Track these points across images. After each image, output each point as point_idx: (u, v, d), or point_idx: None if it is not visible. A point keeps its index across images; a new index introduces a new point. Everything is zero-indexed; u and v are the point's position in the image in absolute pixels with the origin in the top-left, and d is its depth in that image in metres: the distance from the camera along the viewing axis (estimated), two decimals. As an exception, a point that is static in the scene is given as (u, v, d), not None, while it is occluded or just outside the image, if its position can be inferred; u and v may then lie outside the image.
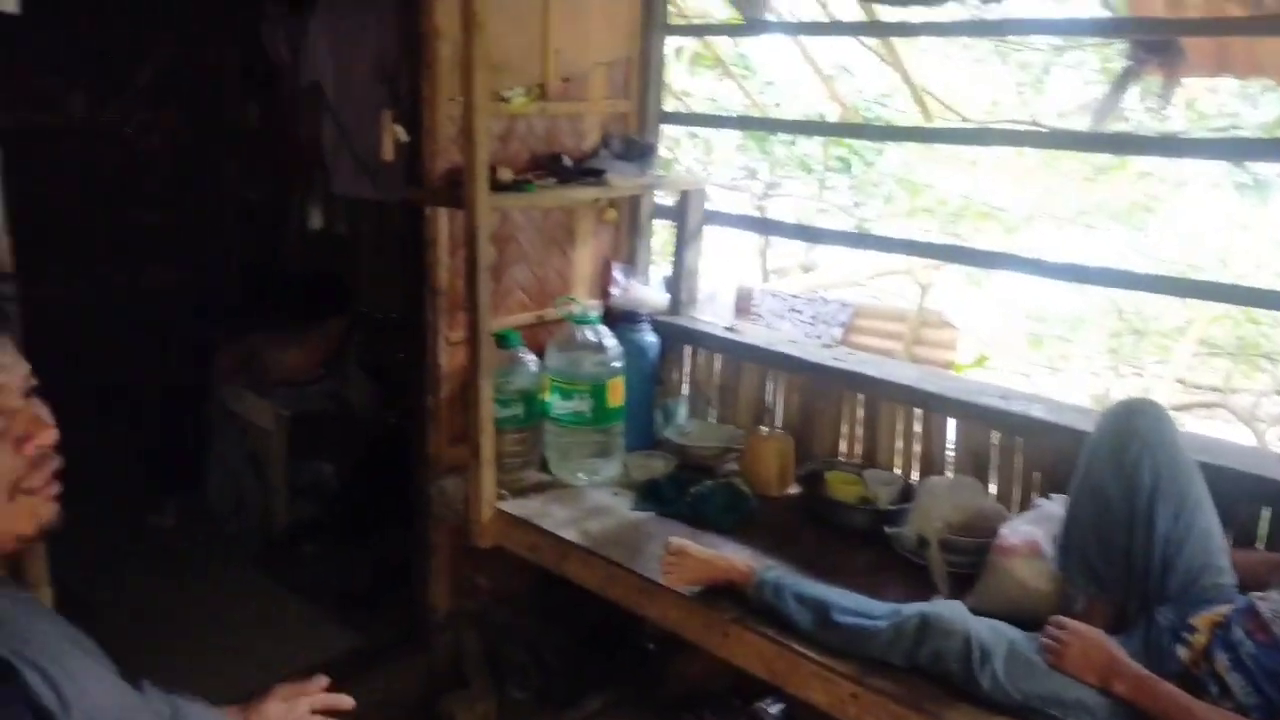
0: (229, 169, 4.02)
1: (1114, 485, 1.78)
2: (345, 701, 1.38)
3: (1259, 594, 1.66)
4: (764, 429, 2.61)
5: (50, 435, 0.99)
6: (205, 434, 3.59)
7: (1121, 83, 2.67)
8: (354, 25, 3.28)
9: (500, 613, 2.84)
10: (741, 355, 2.71)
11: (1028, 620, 1.90)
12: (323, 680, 1.36)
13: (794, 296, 4.41)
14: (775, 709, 2.60)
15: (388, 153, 2.40)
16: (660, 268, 2.93)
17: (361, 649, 2.86)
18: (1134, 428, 1.78)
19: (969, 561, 2.08)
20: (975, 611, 1.96)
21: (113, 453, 3.87)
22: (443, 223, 2.43)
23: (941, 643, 1.71)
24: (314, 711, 1.33)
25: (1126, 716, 1.60)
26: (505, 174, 2.39)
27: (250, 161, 4.05)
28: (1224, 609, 1.67)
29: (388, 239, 3.59)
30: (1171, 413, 1.90)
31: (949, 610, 1.77)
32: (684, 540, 2.10)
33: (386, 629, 2.93)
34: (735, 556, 2.07)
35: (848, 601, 1.87)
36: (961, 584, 2.05)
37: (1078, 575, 1.85)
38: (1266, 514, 1.93)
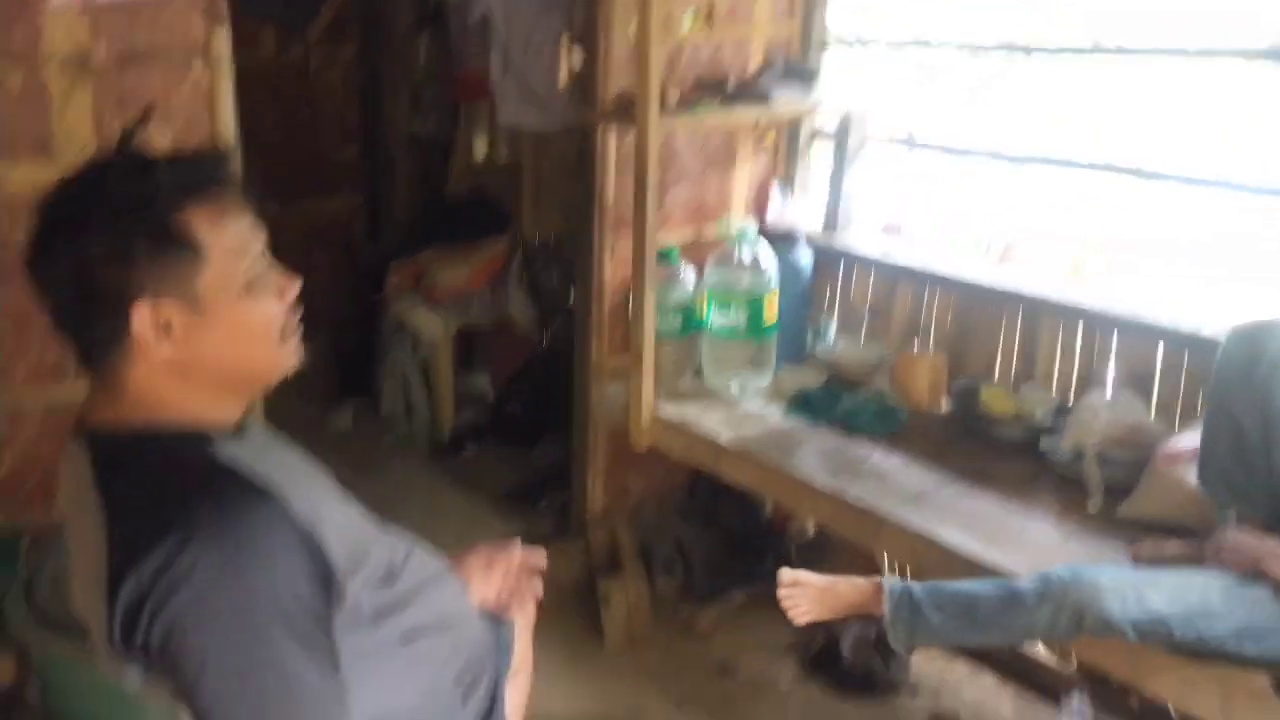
0: (401, 102, 4.27)
1: (1245, 407, 1.76)
2: (540, 559, 1.55)
3: None
4: (923, 347, 2.68)
5: (295, 286, 1.13)
6: (380, 345, 3.89)
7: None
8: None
9: (650, 512, 3.03)
10: (896, 275, 2.77)
11: (1175, 530, 1.95)
12: (518, 545, 1.53)
13: (943, 224, 4.37)
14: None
15: (564, 78, 2.54)
16: (818, 189, 2.99)
17: (523, 538, 3.10)
18: (1259, 349, 1.75)
19: (1124, 475, 2.12)
20: (1126, 521, 2.03)
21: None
22: (611, 144, 2.57)
23: (1099, 607, 1.63)
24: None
25: None
26: (673, 96, 2.50)
27: (421, 94, 4.28)
28: None
29: (547, 166, 3.76)
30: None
31: (1089, 573, 1.70)
32: (798, 571, 1.97)
33: (544, 522, 3.18)
34: (855, 578, 1.95)
35: (988, 589, 1.77)
36: (1115, 496, 2.10)
37: (1221, 492, 1.85)
38: None
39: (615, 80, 2.52)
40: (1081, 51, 2.82)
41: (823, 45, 2.89)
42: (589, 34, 2.48)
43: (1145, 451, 2.13)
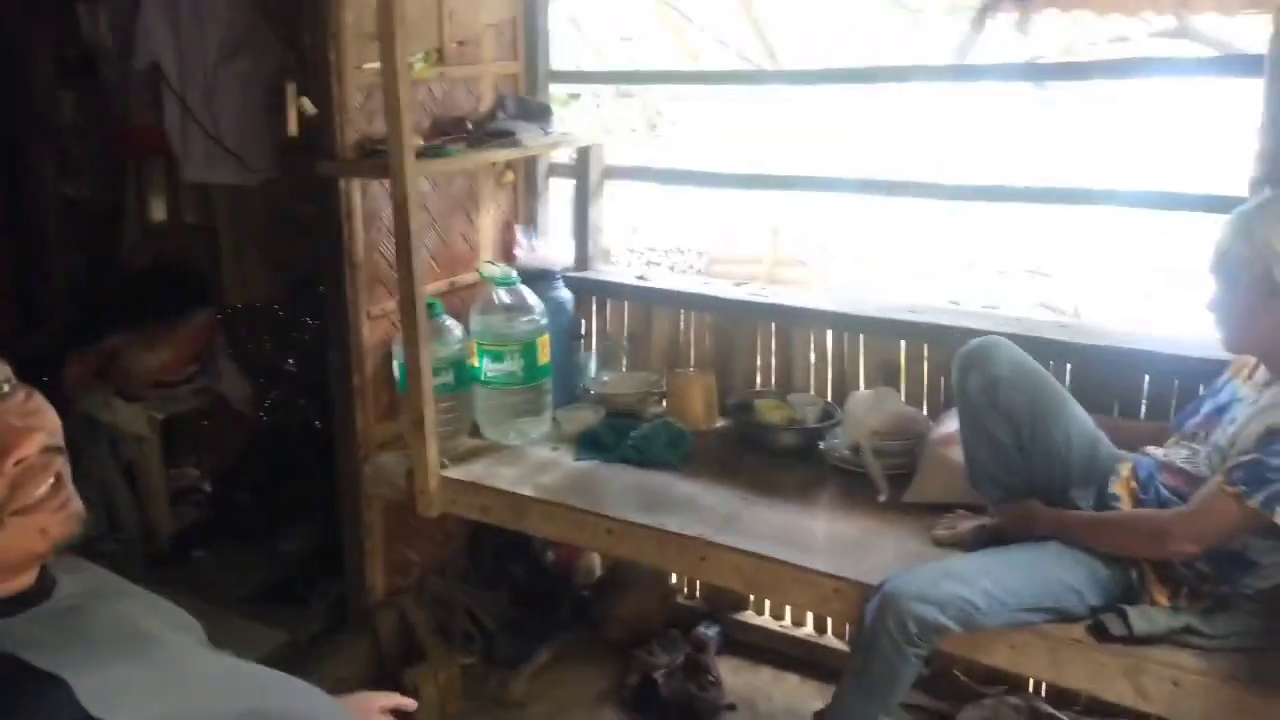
0: (49, 165, 3.68)
1: (997, 426, 1.93)
2: (408, 703, 1.36)
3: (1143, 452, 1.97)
4: (686, 369, 2.74)
5: (32, 444, 0.87)
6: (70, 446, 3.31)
7: (979, 20, 2.95)
8: (196, 2, 3.09)
9: (434, 586, 2.85)
10: (653, 301, 2.82)
11: (958, 505, 2.15)
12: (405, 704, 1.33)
13: (650, 249, 4.57)
14: (712, 631, 2.77)
15: (292, 127, 2.32)
16: (558, 226, 2.98)
17: (292, 643, 2.79)
18: (994, 375, 1.92)
19: (901, 462, 2.31)
20: (914, 505, 2.20)
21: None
22: (356, 195, 2.38)
23: (916, 618, 1.74)
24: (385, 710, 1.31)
25: (1106, 584, 1.78)
26: (415, 141, 2.37)
27: (69, 155, 3.72)
28: (1124, 469, 1.95)
29: (247, 225, 3.42)
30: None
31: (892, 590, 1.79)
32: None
33: (313, 621, 2.87)
34: None
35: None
36: (897, 483, 2.27)
37: (991, 490, 2.02)
38: (1145, 380, 2.25)
39: (353, 128, 2.34)
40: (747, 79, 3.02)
41: (548, 80, 2.88)
42: (321, 79, 2.27)
43: (915, 439, 2.34)
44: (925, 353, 2.51)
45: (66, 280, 3.78)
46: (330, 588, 2.83)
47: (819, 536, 2.13)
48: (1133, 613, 1.71)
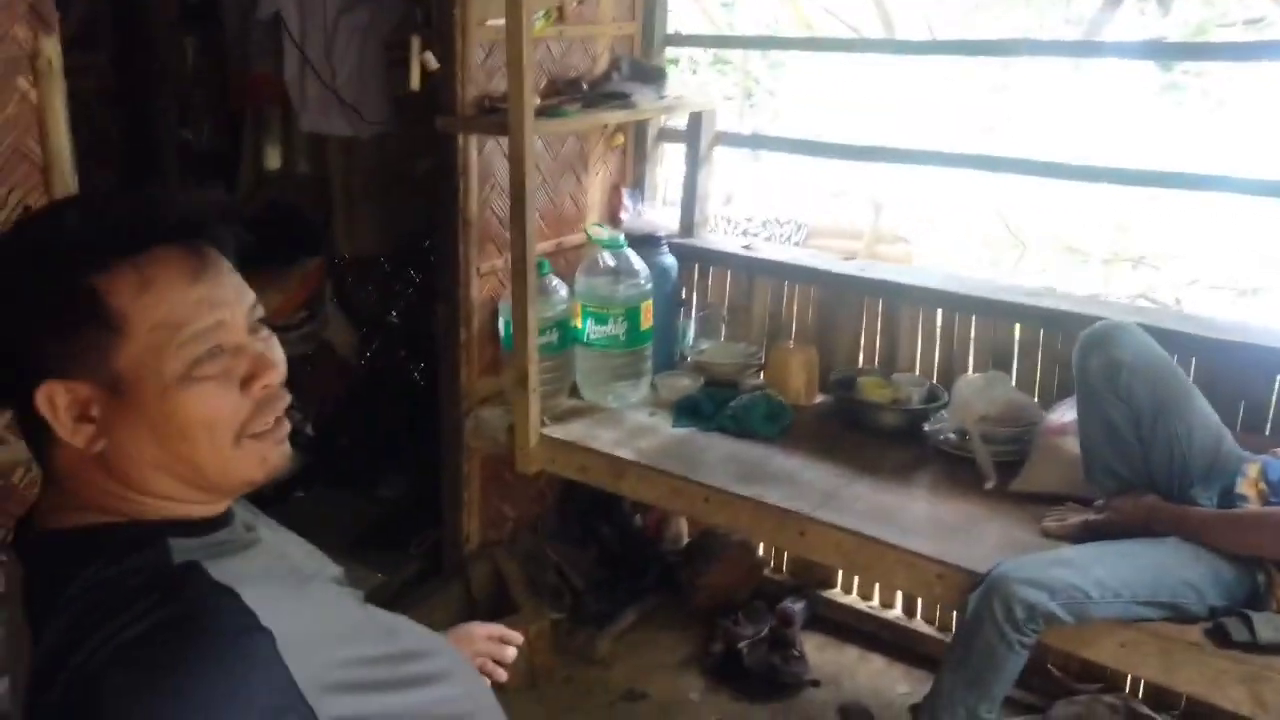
0: (170, 112, 3.79)
1: (1116, 412, 1.89)
2: (516, 636, 1.35)
3: (1273, 454, 1.88)
4: (787, 342, 2.71)
5: (277, 374, 0.91)
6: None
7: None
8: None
9: (526, 541, 2.89)
10: (756, 271, 2.79)
11: (1068, 497, 2.09)
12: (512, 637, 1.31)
13: (748, 220, 4.52)
14: (798, 606, 2.76)
15: (415, 82, 2.34)
16: (664, 191, 2.97)
17: (387, 585, 2.87)
18: (1117, 358, 1.87)
19: (1010, 450, 2.25)
20: (1022, 494, 2.15)
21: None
22: (472, 152, 2.40)
23: (1022, 602, 1.71)
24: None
25: (1229, 585, 1.73)
26: (533, 100, 2.37)
27: (189, 102, 3.83)
28: (1252, 470, 1.87)
29: (359, 178, 3.49)
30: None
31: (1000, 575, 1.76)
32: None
33: (410, 565, 2.94)
34: None
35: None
36: (1005, 471, 2.22)
37: (1107, 484, 1.98)
38: (1277, 379, 2.15)
39: (473, 85, 2.35)
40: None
41: (664, 43, 2.85)
42: (445, 35, 2.29)
43: (1025, 427, 2.28)
44: (1040, 338, 2.44)
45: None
46: (427, 535, 2.90)
47: (921, 519, 2.09)
48: (1258, 619, 1.64)
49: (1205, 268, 5.37)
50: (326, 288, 3.52)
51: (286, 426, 0.95)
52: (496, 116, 2.26)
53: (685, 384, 2.65)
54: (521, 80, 2.12)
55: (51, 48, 1.57)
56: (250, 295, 0.95)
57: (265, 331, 0.95)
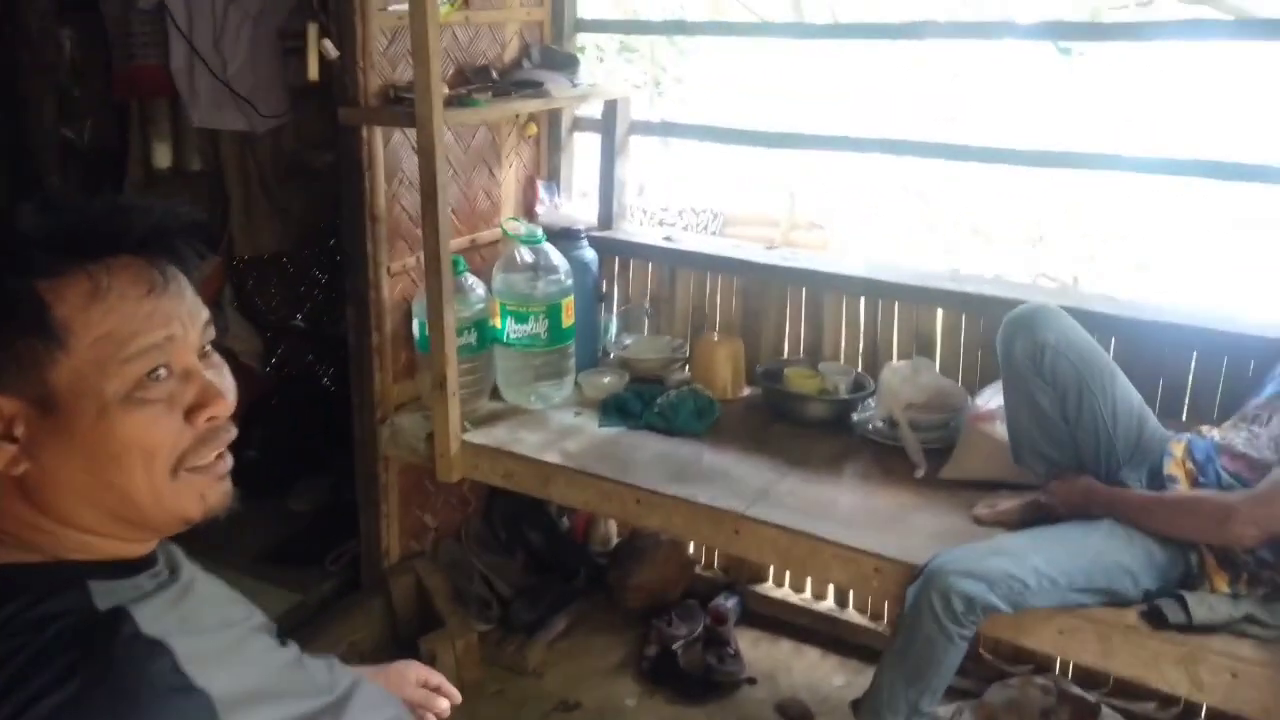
0: (48, 107, 3.54)
1: (1041, 395, 1.89)
2: (452, 696, 1.25)
3: (1197, 432, 1.90)
4: (711, 335, 2.65)
5: (225, 405, 0.86)
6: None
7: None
8: (205, -65, 2.95)
9: (449, 549, 2.78)
10: (678, 263, 2.72)
11: (999, 483, 2.08)
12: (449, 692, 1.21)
13: (664, 210, 4.46)
14: (731, 603, 2.72)
15: (313, 71, 2.20)
16: (581, 183, 2.88)
17: (303, 605, 2.73)
18: (1041, 340, 1.86)
19: (939, 436, 2.24)
20: (952, 481, 2.13)
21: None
22: (378, 145, 2.28)
23: (961, 594, 1.68)
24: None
25: (1162, 567, 1.72)
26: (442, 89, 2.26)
27: (69, 97, 3.58)
28: (1178, 449, 1.88)
29: (255, 174, 3.31)
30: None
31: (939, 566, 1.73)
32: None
33: (326, 581, 2.80)
34: None
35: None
36: (934, 457, 2.21)
37: (1037, 465, 1.97)
38: (1193, 356, 2.17)
39: (376, 74, 2.23)
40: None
41: (575, 29, 2.76)
42: (344, 21, 2.15)
43: (952, 413, 2.27)
44: (963, 323, 2.43)
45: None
46: (345, 549, 2.76)
47: (855, 511, 2.06)
48: (1192, 599, 1.65)
49: (1100, 246, 5.52)
50: (225, 291, 3.34)
51: (228, 463, 0.90)
52: (403, 107, 2.14)
53: (610, 382, 2.57)
54: (428, 68, 2.01)
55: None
56: (204, 315, 0.89)
57: (217, 358, 0.90)
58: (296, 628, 2.65)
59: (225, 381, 0.89)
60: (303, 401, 3.41)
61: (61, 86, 3.55)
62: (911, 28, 2.59)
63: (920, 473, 2.18)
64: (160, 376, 0.80)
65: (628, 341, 2.75)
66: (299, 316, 3.50)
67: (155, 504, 0.83)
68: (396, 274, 2.41)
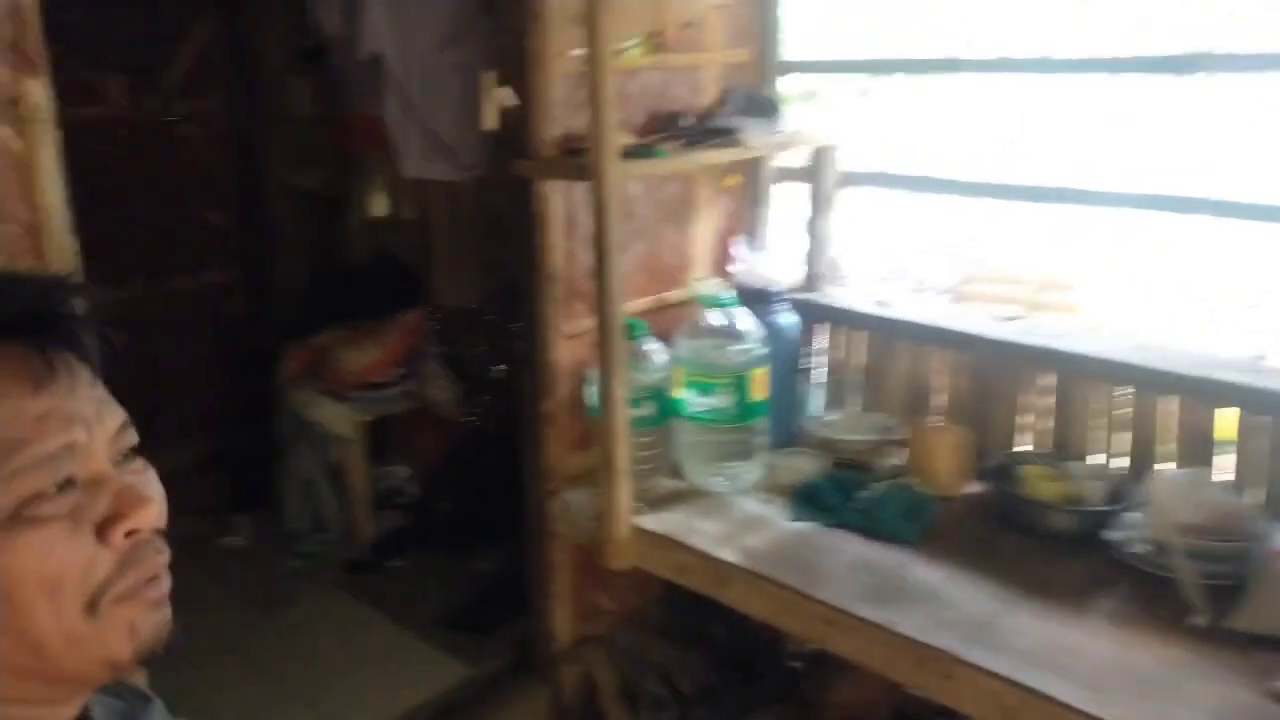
0: (281, 155, 3.70)
1: None
2: None
3: None
4: (933, 418, 2.26)
5: (149, 515, 0.68)
6: (277, 446, 3.30)
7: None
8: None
9: (626, 636, 2.54)
10: (895, 333, 2.36)
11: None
12: None
13: (879, 269, 4.04)
14: (947, 732, 2.28)
15: (490, 120, 2.06)
16: (783, 239, 2.58)
17: (472, 681, 2.58)
18: None
19: (1225, 572, 1.74)
20: (1249, 636, 1.64)
21: (175, 469, 3.61)
22: (554, 199, 2.10)
23: None
24: None
25: None
26: (626, 138, 2.05)
27: (302, 147, 3.73)
28: None
29: (461, 224, 3.27)
30: None
31: None
32: None
33: (496, 658, 2.64)
34: None
35: None
36: (1219, 600, 1.71)
37: None
38: None
39: (555, 123, 2.05)
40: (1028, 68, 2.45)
41: (781, 72, 2.48)
42: (520, 69, 1.99)
43: (1245, 544, 1.76)
44: (1267, 429, 1.90)
45: (294, 275, 3.81)
46: (518, 623, 2.59)
47: (1107, 667, 1.61)
48: None
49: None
50: (427, 342, 3.30)
51: (165, 585, 0.70)
52: (578, 159, 1.95)
53: (806, 466, 2.24)
54: (603, 117, 1.80)
55: (38, 91, 1.35)
56: (119, 416, 0.70)
57: (139, 463, 0.72)
58: (461, 706, 2.51)
59: (151, 489, 0.70)
60: (496, 457, 3.31)
61: (295, 134, 3.71)
62: (1181, 61, 2.10)
63: (1199, 620, 1.69)
64: (63, 489, 0.64)
65: (830, 419, 2.41)
66: (499, 368, 3.41)
67: (70, 650, 0.64)
68: (573, 336, 2.21)
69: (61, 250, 1.38)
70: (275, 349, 3.38)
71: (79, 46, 3.23)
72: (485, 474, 3.31)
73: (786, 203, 2.56)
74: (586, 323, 2.23)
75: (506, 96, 2.01)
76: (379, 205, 3.48)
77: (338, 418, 3.12)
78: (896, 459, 2.28)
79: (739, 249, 2.44)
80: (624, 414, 2.02)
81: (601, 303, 1.94)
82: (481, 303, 3.26)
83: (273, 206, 3.78)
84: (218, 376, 3.73)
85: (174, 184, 3.57)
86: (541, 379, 2.19)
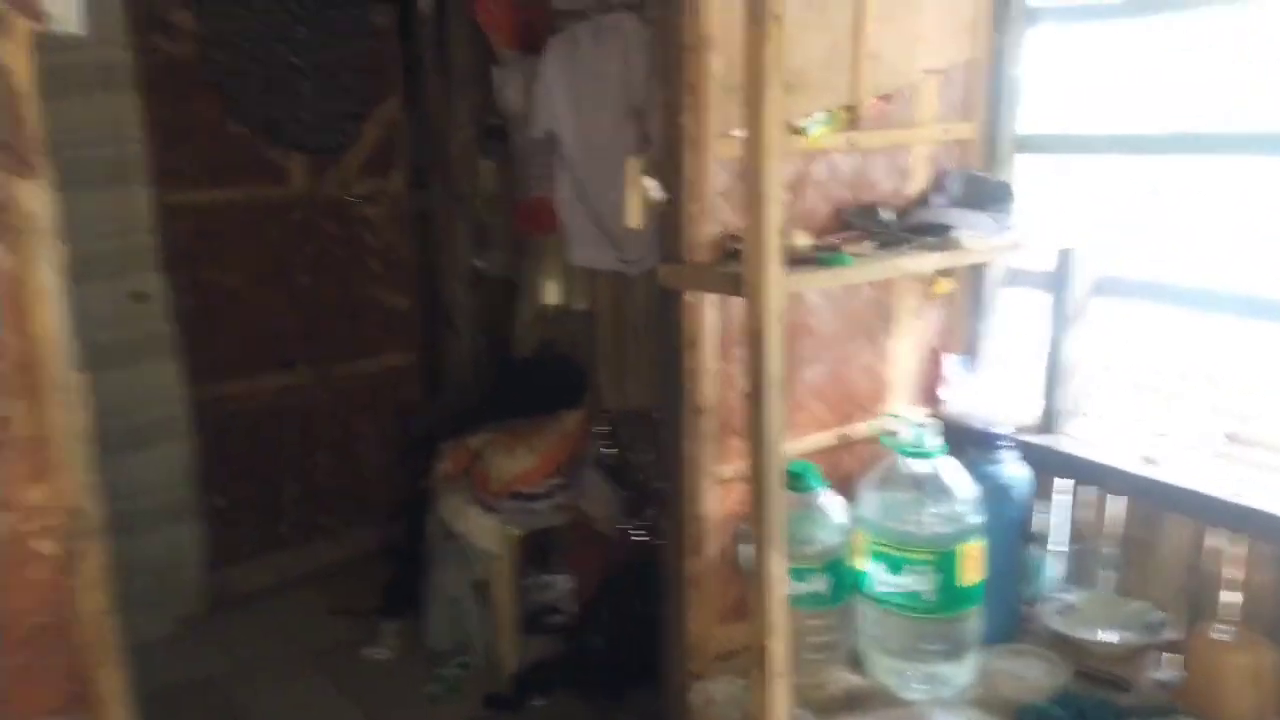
0: (462, 236, 3.53)
1: None
2: None
3: None
4: (1220, 625, 1.63)
5: None
6: (426, 552, 3.03)
7: None
8: (597, 59, 2.66)
9: None
10: (1165, 500, 1.74)
11: None
12: None
13: (1146, 408, 3.29)
14: None
15: (633, 217, 1.68)
16: (1012, 361, 2.03)
17: None
18: None
19: None
20: None
21: (333, 563, 3.45)
22: (708, 312, 1.68)
23: None
24: None
25: None
26: (801, 239, 1.61)
27: (482, 228, 3.54)
28: None
29: (628, 318, 2.92)
30: None
31: None
32: None
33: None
34: None
35: None
36: None
37: None
38: None
39: (710, 219, 1.64)
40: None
41: (1015, 150, 1.96)
42: (671, 153, 1.61)
43: None
44: None
45: (468, 362, 3.62)
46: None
47: None
48: None
49: None
50: (588, 448, 2.95)
51: None
52: (732, 267, 1.53)
53: (1034, 674, 1.67)
54: (764, 215, 1.37)
55: (34, 198, 1.09)
56: None
57: None
58: None
59: None
60: (657, 584, 2.90)
61: (475, 215, 3.53)
62: None
63: None
64: None
65: (1071, 604, 1.82)
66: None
67: None
68: (727, 481, 1.77)
69: (53, 391, 1.10)
70: (437, 440, 3.16)
71: (266, 128, 3.20)
72: (645, 604, 2.90)
73: (1018, 315, 2.01)
74: (744, 465, 1.79)
75: (651, 188, 1.63)
76: (551, 293, 3.20)
77: (485, 531, 2.81)
78: (1166, 673, 1.66)
79: (951, 374, 1.93)
80: (783, 593, 1.55)
81: (755, 445, 1.49)
82: (650, 408, 2.88)
83: (449, 289, 3.60)
84: (387, 466, 3.56)
85: (352, 264, 3.47)
86: (684, 533, 1.76)
